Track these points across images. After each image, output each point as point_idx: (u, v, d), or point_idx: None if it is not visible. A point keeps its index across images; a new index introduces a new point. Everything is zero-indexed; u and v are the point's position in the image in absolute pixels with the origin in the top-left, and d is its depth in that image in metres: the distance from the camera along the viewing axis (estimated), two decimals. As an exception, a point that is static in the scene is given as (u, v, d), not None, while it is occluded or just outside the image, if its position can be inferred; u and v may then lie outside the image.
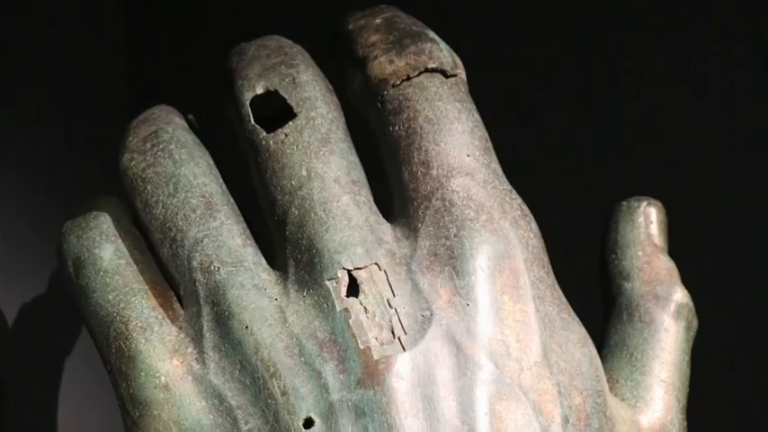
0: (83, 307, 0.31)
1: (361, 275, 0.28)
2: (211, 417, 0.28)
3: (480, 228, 0.29)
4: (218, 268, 0.29)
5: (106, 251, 0.31)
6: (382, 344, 0.27)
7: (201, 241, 0.30)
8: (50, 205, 0.41)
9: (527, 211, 0.31)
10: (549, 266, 0.31)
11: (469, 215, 0.29)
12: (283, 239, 0.30)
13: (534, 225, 0.31)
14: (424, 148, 0.30)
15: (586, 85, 0.47)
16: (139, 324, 0.29)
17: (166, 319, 0.30)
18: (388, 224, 0.30)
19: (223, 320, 0.29)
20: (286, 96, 0.31)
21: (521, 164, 0.33)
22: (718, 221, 0.42)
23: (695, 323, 0.33)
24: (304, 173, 0.30)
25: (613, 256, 0.34)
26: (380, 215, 0.30)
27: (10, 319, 0.41)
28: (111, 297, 0.30)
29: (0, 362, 0.41)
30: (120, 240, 0.31)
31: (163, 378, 0.29)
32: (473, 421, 0.27)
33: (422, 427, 0.27)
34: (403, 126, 0.31)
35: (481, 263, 0.29)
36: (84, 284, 0.31)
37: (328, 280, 0.28)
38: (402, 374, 0.27)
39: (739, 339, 0.41)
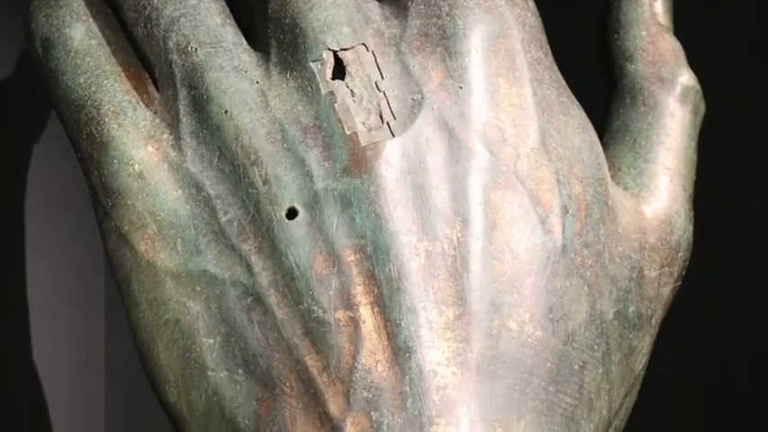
0: (52, 90, 0.30)
1: (347, 57, 0.28)
2: (188, 207, 0.27)
3: (474, 6, 0.28)
4: (196, 49, 0.28)
5: (77, 31, 0.30)
6: (370, 129, 0.27)
7: (178, 20, 0.29)
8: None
9: (524, -13, 0.30)
10: (548, 47, 0.30)
11: (463, -8, 0.28)
12: (265, 18, 0.29)
13: (531, 3, 0.30)
14: None
15: None
16: (112, 108, 0.29)
17: (141, 103, 0.29)
18: (376, 2, 0.29)
19: (201, 104, 0.28)
20: None
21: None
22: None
23: (702, 107, 0.32)
24: None
25: (615, 36, 0.33)
26: (368, -8, 0.29)
27: (-25, 102, 0.40)
28: (81, 80, 0.29)
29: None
30: (91, 19, 0.30)
31: (137, 166, 0.28)
32: (466, 211, 0.26)
33: (412, 218, 0.26)
34: None
35: (475, 43, 0.28)
36: (53, 66, 0.30)
37: (312, 61, 0.28)
38: (391, 161, 0.26)
39: (747, 119, 0.41)
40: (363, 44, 0.28)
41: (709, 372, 0.41)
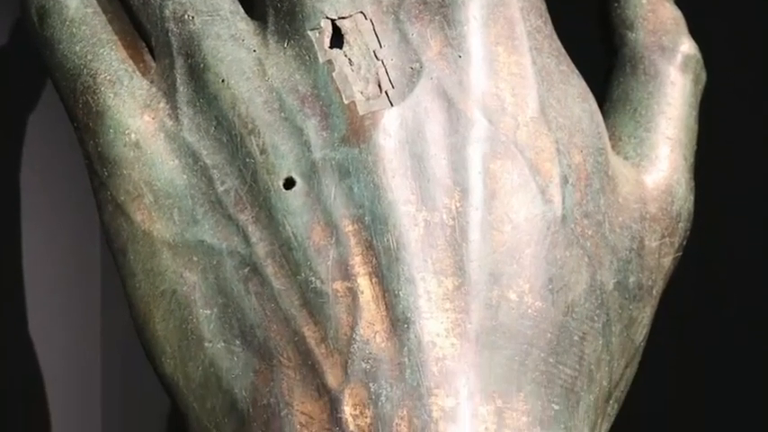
0: (48, 59, 0.30)
1: (345, 25, 0.27)
2: (185, 176, 0.27)
3: (473, -27, 0.28)
4: (193, 17, 0.28)
5: None
6: (368, 98, 0.27)
7: None
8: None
9: (523, -46, 0.30)
10: (547, 15, 0.30)
11: (461, -40, 0.28)
12: (262, -14, 0.29)
13: (531, -29, 0.30)
14: None
15: None
16: (108, 77, 0.29)
17: (137, 72, 0.29)
18: (375, -31, 0.29)
19: (198, 73, 0.28)
20: None
21: None
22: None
23: (703, 76, 0.32)
24: None
25: (616, 4, 0.32)
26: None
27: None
28: (77, 48, 0.29)
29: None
30: None
31: (133, 135, 0.28)
32: (465, 181, 0.26)
33: (410, 188, 0.26)
34: None
35: (474, 11, 0.28)
36: (49, 35, 0.30)
37: (310, 30, 0.27)
38: (389, 131, 0.26)
39: (748, 88, 0.40)
40: (362, 12, 0.27)
41: (709, 343, 0.41)
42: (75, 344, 0.43)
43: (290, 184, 0.26)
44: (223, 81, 0.27)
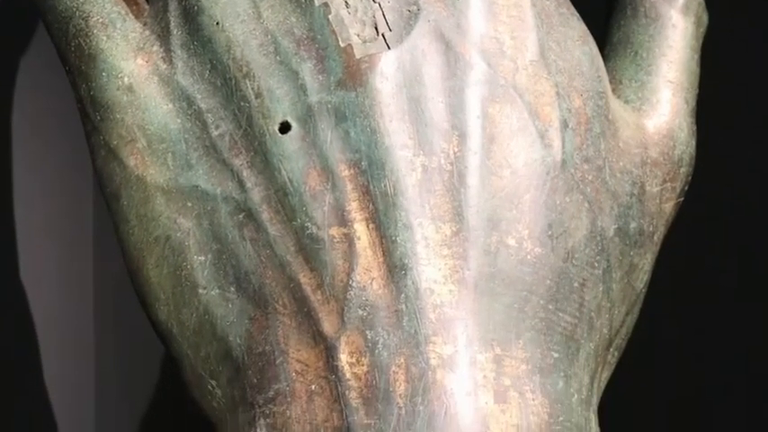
0: (40, 2, 0.30)
1: None
2: (179, 121, 0.27)
3: None
4: None
5: None
6: (365, 41, 0.26)
7: None
8: None
9: None
10: None
11: None
12: (257, -73, 0.28)
13: None
14: None
15: None
16: (101, 20, 0.28)
17: (130, 15, 0.29)
18: None
19: (192, 16, 0.28)
20: None
21: None
22: None
23: (705, 18, 0.31)
24: None
25: None
26: None
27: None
28: None
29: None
30: None
31: (126, 79, 0.28)
32: (464, 125, 0.26)
33: (408, 132, 0.26)
34: None
35: None
36: None
37: None
38: (386, 74, 0.26)
39: (750, 30, 0.40)
40: (358, -47, 0.27)
41: (710, 292, 0.41)
42: (68, 291, 0.43)
43: (285, 128, 0.26)
44: (217, 24, 0.27)
